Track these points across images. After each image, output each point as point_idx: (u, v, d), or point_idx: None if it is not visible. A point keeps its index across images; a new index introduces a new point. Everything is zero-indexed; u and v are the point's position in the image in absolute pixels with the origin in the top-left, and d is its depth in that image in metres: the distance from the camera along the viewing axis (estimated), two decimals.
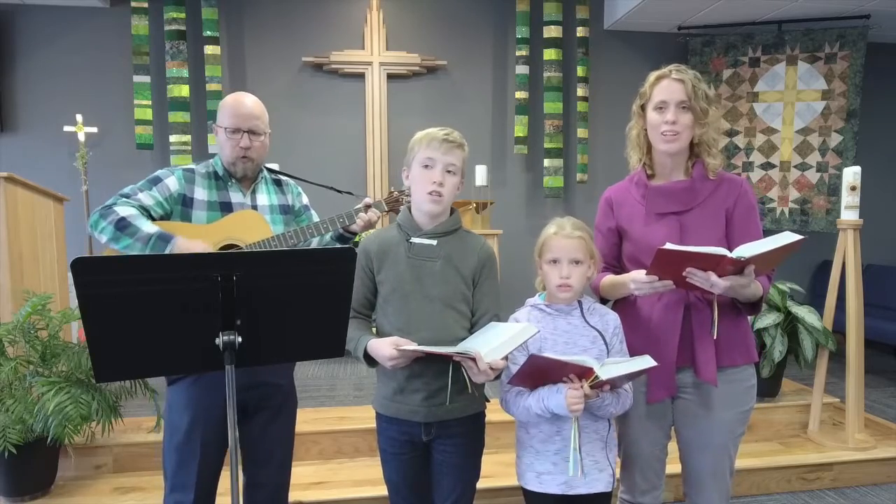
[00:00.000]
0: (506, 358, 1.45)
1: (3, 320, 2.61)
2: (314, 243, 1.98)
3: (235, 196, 1.86)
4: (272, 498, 1.84)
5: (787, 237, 1.47)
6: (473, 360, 1.40)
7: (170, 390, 1.75)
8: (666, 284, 1.53)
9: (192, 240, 1.72)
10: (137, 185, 1.80)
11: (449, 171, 1.56)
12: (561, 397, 1.46)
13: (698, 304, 1.64)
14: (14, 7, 4.56)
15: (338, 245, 1.95)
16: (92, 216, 1.74)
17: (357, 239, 2.03)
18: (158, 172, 1.83)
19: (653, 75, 1.68)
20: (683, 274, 1.50)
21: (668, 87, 1.63)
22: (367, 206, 1.91)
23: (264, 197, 1.92)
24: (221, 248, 1.80)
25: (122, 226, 1.69)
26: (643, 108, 1.70)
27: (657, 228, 1.66)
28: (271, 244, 1.81)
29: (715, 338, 1.61)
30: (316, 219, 1.99)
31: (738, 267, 1.47)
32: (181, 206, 1.81)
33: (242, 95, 1.87)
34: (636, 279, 1.57)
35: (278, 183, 1.98)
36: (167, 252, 1.66)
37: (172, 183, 1.81)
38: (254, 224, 1.83)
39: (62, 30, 4.63)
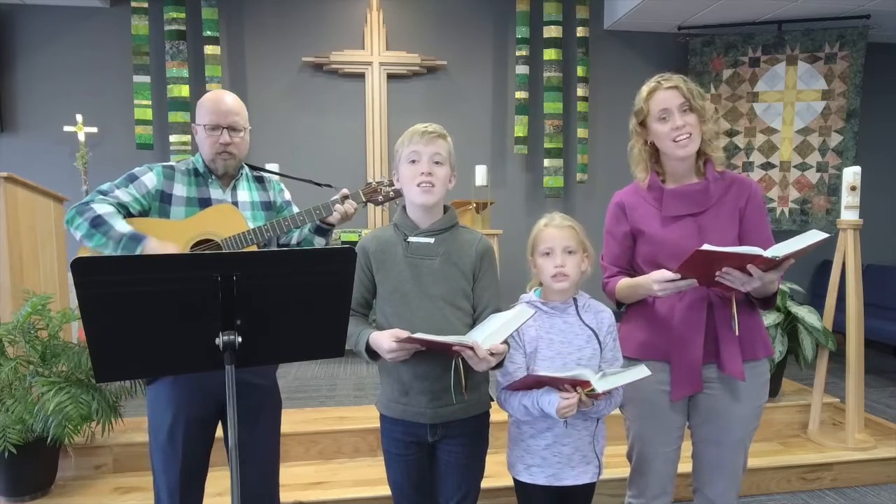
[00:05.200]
0: (506, 342, 1.45)
1: (3, 320, 2.60)
2: (294, 236, 1.96)
3: (215, 192, 1.83)
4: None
5: (816, 235, 1.48)
6: (472, 349, 1.40)
7: (148, 390, 1.71)
8: (690, 283, 1.54)
9: (165, 241, 1.69)
10: (115, 183, 1.77)
11: (436, 163, 1.55)
12: (554, 398, 1.48)
13: (719, 301, 1.65)
14: (14, 7, 4.56)
15: (317, 238, 1.93)
16: (69, 212, 1.71)
17: (347, 237, 2.00)
18: (135, 170, 1.80)
19: (644, 90, 1.68)
20: (717, 274, 1.50)
21: (664, 97, 1.64)
22: (344, 198, 1.88)
23: (245, 193, 1.88)
24: (196, 244, 1.77)
25: (97, 223, 1.66)
26: (642, 123, 1.69)
27: (675, 229, 1.67)
28: (247, 238, 1.77)
29: (738, 334, 1.62)
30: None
31: (769, 266, 1.48)
32: (159, 203, 1.78)
33: (222, 93, 1.84)
34: (660, 279, 1.55)
35: (259, 180, 1.95)
36: (138, 252, 1.63)
37: (150, 180, 1.78)
38: (230, 218, 1.79)
39: (62, 30, 4.63)
